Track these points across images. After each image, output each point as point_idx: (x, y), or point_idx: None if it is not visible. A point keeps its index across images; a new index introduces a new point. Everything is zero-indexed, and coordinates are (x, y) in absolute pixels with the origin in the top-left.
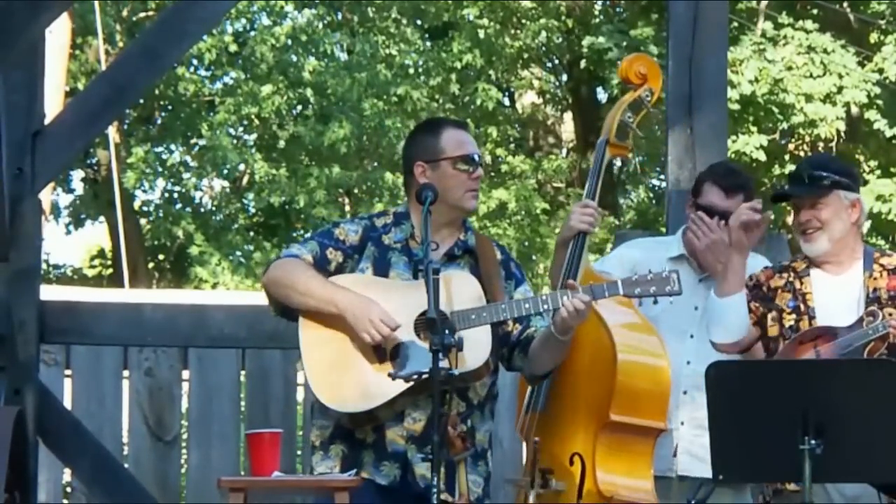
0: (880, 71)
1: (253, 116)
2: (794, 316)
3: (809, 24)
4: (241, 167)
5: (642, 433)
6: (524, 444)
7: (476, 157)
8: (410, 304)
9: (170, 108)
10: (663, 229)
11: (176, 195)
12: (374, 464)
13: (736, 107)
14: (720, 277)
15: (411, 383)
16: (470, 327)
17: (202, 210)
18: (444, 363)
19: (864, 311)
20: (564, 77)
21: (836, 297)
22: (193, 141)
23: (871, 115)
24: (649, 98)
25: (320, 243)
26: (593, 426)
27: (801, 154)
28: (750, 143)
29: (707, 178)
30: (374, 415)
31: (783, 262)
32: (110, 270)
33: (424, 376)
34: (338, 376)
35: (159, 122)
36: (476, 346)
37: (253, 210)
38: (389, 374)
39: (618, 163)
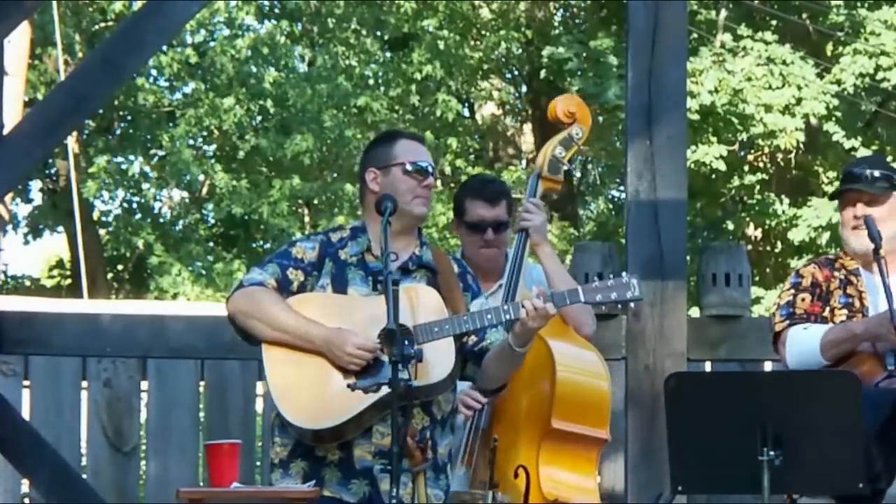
0: (838, 82)
1: (213, 128)
2: (845, 312)
3: (769, 36)
4: (201, 178)
5: (585, 442)
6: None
7: (429, 168)
8: (372, 319)
9: (129, 118)
10: (622, 240)
11: (135, 205)
12: (340, 482)
13: (695, 117)
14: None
15: (375, 398)
16: (433, 340)
17: (161, 220)
18: (404, 374)
19: None
20: (524, 88)
21: (886, 297)
22: (153, 152)
23: (830, 126)
24: (579, 136)
25: (280, 264)
26: (536, 436)
27: (761, 165)
28: (709, 154)
29: (467, 195)
30: (340, 432)
31: (830, 257)
32: (69, 281)
33: (384, 387)
34: (303, 393)
35: (118, 132)
36: (440, 359)
37: (213, 221)
38: (349, 385)
39: (577, 174)
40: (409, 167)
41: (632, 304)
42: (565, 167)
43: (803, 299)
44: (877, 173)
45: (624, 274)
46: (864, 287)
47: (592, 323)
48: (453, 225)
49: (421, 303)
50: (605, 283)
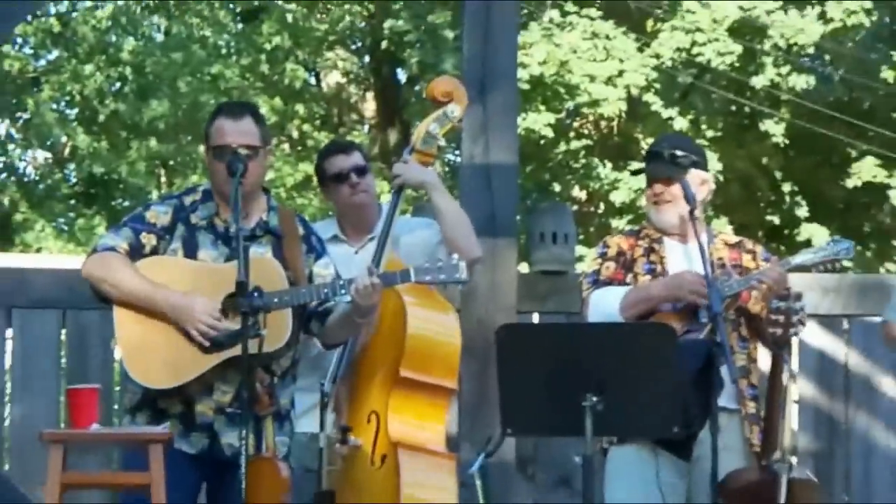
0: (657, 56)
1: (75, 93)
2: (648, 277)
3: (593, 12)
4: (64, 140)
5: (433, 391)
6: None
7: (232, 151)
8: (218, 286)
9: None
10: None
11: (1, 165)
12: (181, 433)
13: (526, 87)
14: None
15: (221, 359)
16: (271, 310)
17: (26, 180)
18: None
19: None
20: (367, 58)
21: (687, 263)
22: (19, 115)
23: (649, 97)
24: (454, 114)
25: (133, 228)
26: (388, 384)
27: (585, 132)
28: (539, 121)
29: (322, 158)
30: (184, 389)
31: (635, 228)
32: None
33: (235, 341)
34: (149, 353)
35: None
36: (277, 328)
37: (74, 180)
38: (208, 339)
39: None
40: (214, 152)
41: (459, 286)
42: (439, 142)
43: (608, 267)
44: (678, 152)
45: (454, 256)
46: (666, 253)
47: (478, 249)
48: (323, 196)
49: (263, 274)
50: (435, 264)
